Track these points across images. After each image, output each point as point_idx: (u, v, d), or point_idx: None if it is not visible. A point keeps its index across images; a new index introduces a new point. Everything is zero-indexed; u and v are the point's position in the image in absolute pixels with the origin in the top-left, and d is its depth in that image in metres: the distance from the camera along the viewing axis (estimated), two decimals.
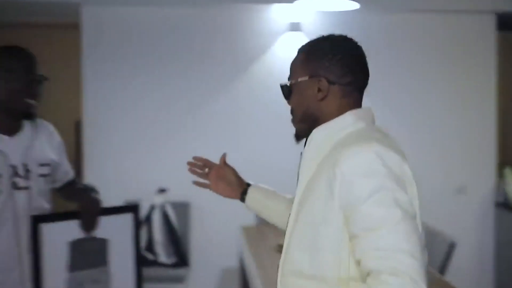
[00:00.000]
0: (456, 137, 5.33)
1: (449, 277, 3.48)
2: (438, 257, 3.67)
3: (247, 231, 4.36)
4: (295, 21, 5.22)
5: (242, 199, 2.25)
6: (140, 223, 2.96)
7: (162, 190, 5.15)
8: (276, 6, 5.16)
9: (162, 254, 5.01)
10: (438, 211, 5.17)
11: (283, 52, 5.25)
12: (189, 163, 2.32)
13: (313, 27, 5.24)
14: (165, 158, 5.23)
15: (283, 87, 1.85)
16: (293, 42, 5.23)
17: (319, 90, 1.74)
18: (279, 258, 3.58)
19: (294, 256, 1.69)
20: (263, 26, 5.26)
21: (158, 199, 5.10)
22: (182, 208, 5.20)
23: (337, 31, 5.74)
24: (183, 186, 5.20)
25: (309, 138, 1.76)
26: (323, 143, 1.71)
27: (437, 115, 5.37)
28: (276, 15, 5.24)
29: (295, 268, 1.68)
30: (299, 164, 1.79)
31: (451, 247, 3.64)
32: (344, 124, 1.72)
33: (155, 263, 4.97)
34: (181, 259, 5.04)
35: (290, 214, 1.76)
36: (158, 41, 5.22)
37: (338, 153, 1.62)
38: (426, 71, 5.37)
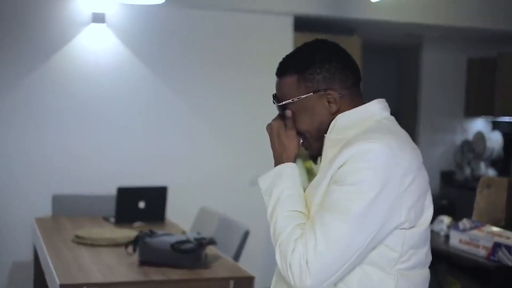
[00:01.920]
0: (250, 134, 5.49)
1: (242, 262, 3.63)
2: (234, 244, 3.82)
3: (42, 222, 4.23)
4: (99, 11, 5.14)
5: None
6: None
7: None
8: None
9: None
10: (234, 201, 5.36)
11: (86, 43, 5.15)
12: None
13: (117, 19, 5.21)
14: None
15: (284, 113, 1.70)
16: (96, 34, 5.16)
17: (330, 102, 1.65)
18: (76, 249, 3.53)
19: None
20: (66, 16, 5.11)
21: None
22: None
23: (141, 25, 5.81)
24: None
25: (332, 124, 1.66)
26: (348, 128, 1.63)
27: (234, 112, 5.55)
28: (80, 5, 5.12)
29: None
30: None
31: (245, 235, 3.80)
32: (372, 111, 1.66)
33: None
34: None
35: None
36: None
37: (354, 140, 1.56)
38: (228, 67, 5.53)
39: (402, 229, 1.55)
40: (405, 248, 1.56)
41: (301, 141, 1.72)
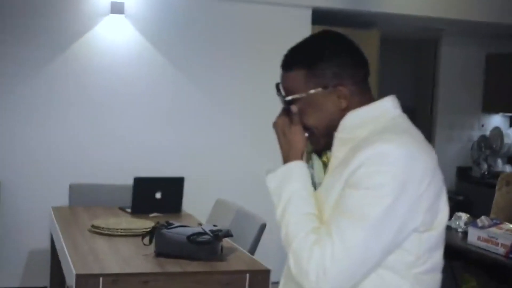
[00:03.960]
0: (267, 126, 5.47)
1: (258, 255, 3.62)
2: (250, 237, 3.80)
3: (59, 211, 4.24)
4: (118, 1, 5.14)
5: None
6: None
7: None
8: None
9: None
10: (251, 193, 5.34)
11: (104, 34, 5.16)
12: None
13: (135, 10, 5.21)
14: None
15: (289, 108, 1.64)
16: (114, 24, 5.16)
17: (339, 98, 1.59)
18: (92, 238, 3.54)
19: None
20: (85, 7, 5.12)
21: None
22: None
23: (159, 16, 5.78)
24: None
25: (342, 122, 1.60)
26: (359, 127, 1.57)
27: (252, 103, 5.54)
28: None
29: None
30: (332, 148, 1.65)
31: (262, 227, 3.78)
32: (385, 109, 1.60)
33: None
34: None
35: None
36: None
37: (370, 141, 1.49)
38: (246, 59, 5.51)
39: (418, 232, 1.50)
40: (421, 251, 1.52)
41: (307, 135, 1.66)
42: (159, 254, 3.24)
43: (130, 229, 3.69)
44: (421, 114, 6.99)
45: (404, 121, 1.61)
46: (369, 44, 5.95)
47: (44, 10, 5.03)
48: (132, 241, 3.52)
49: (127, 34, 5.22)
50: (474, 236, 3.56)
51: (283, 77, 1.67)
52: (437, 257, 1.58)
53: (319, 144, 1.67)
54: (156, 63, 5.30)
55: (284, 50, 1.71)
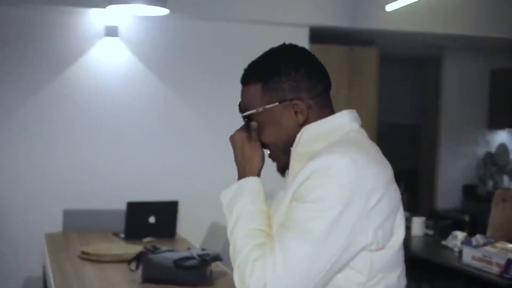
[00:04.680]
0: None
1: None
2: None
3: (52, 238, 4.21)
4: (112, 25, 5.15)
5: None
6: None
7: None
8: (93, 10, 5.04)
9: None
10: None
11: (99, 57, 5.16)
12: None
13: (129, 32, 5.21)
14: None
15: (248, 124, 1.61)
16: (109, 47, 5.16)
17: (297, 113, 1.55)
18: (81, 265, 3.48)
19: None
20: (80, 30, 5.13)
21: None
22: None
23: (154, 38, 5.76)
24: None
25: (298, 136, 1.55)
26: (315, 141, 1.52)
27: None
28: (93, 19, 5.13)
29: None
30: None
31: None
32: (340, 123, 1.55)
33: None
34: None
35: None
36: None
37: (318, 154, 1.44)
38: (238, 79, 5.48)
39: (369, 250, 1.43)
40: (373, 272, 1.44)
41: (269, 153, 1.62)
42: (146, 279, 3.18)
43: (119, 255, 3.63)
44: (426, 131, 6.91)
45: (358, 135, 1.55)
46: (368, 62, 5.90)
47: (40, 33, 5.05)
48: (120, 267, 3.46)
49: (122, 56, 5.21)
50: (468, 256, 3.46)
51: (242, 92, 1.65)
52: (393, 278, 1.49)
53: (281, 161, 1.61)
54: (151, 85, 5.28)
55: None
